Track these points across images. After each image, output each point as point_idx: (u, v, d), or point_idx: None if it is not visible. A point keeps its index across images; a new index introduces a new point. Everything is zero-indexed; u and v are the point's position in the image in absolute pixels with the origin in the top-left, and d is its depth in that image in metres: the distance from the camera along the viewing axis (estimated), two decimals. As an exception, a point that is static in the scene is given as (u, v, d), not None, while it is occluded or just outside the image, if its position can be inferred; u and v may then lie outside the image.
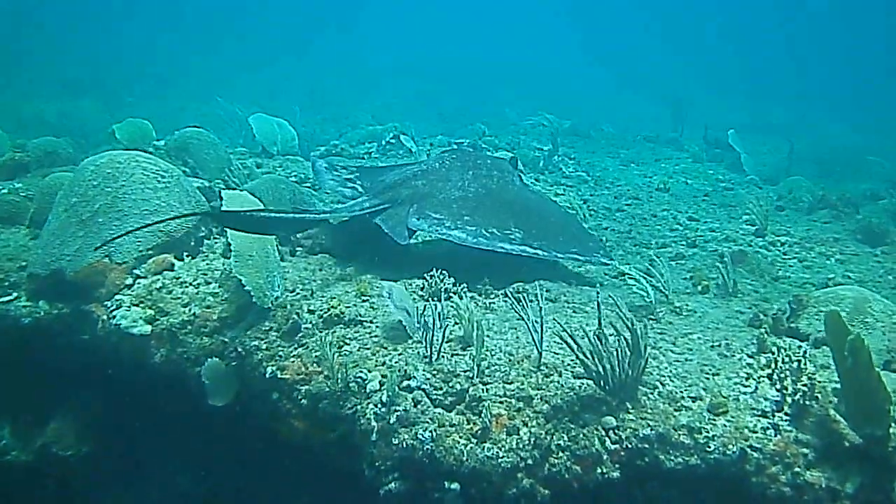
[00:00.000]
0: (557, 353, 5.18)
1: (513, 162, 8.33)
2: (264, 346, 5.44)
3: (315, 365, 5.18)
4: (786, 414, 4.78)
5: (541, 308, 5.04)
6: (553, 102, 24.69)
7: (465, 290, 6.25)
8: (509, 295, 6.24)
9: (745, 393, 4.95)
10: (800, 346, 5.40)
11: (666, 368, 5.07)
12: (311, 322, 5.53)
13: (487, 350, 5.07)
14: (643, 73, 38.73)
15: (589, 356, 4.71)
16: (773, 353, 5.19)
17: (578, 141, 19.01)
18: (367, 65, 36.60)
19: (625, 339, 4.68)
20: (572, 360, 5.06)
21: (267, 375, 5.27)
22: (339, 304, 5.61)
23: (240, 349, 5.51)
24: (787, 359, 5.03)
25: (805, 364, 4.99)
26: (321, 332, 5.41)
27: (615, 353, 4.67)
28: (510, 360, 5.08)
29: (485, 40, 49.28)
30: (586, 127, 20.74)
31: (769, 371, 5.12)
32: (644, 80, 35.28)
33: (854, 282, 8.30)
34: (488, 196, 7.28)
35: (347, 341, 5.34)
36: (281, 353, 5.36)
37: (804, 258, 9.17)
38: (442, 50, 42.27)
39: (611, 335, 5.03)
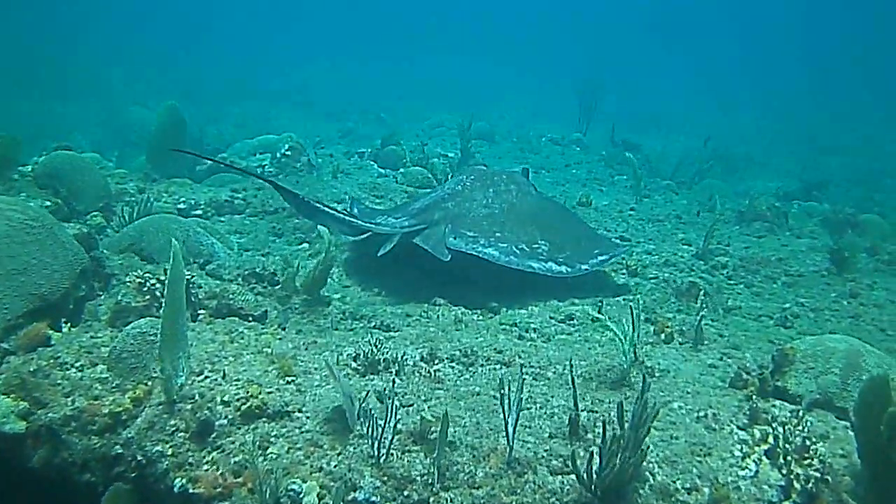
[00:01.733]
0: (528, 442, 4.48)
1: (524, 173, 9.37)
2: (170, 451, 4.52)
3: (235, 475, 4.32)
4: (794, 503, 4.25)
5: (522, 381, 4.34)
6: (459, 104, 24.11)
7: (411, 357, 5.51)
8: (458, 361, 5.54)
9: (745, 478, 4.40)
10: (796, 414, 4.88)
11: (652, 451, 4.44)
12: (226, 417, 4.65)
13: (447, 443, 4.33)
14: (548, 66, 38.64)
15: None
16: (771, 428, 4.66)
17: (484, 145, 18.47)
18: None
19: (620, 432, 4.02)
20: (547, 451, 4.39)
21: (176, 490, 4.37)
22: (260, 391, 4.77)
23: (139, 456, 4.57)
24: (787, 434, 4.51)
25: (811, 439, 4.48)
26: (240, 429, 4.56)
27: (609, 448, 4.01)
28: (474, 457, 4.35)
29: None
30: (490, 129, 20.24)
31: (767, 447, 4.60)
32: (549, 76, 35.10)
33: (809, 309, 7.97)
34: (512, 210, 8.23)
35: (273, 440, 4.50)
36: (191, 459, 4.47)
37: (751, 283, 8.82)
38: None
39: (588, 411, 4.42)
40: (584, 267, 7.65)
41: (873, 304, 8.31)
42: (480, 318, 6.82)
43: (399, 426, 4.39)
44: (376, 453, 4.29)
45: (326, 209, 7.35)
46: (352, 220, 7.64)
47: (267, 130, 17.16)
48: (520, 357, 5.68)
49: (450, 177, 12.83)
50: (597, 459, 4.04)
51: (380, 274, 8.00)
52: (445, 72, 37.28)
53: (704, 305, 6.32)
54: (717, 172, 17.81)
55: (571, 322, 6.84)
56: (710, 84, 40.00)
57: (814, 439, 4.53)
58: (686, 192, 15.28)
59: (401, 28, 54.61)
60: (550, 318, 6.93)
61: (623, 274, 8.63)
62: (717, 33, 59.66)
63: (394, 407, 4.38)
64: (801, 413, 4.87)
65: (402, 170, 13.49)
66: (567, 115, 22.89)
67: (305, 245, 9.24)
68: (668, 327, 6.38)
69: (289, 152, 13.41)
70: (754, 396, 5.11)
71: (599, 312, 6.88)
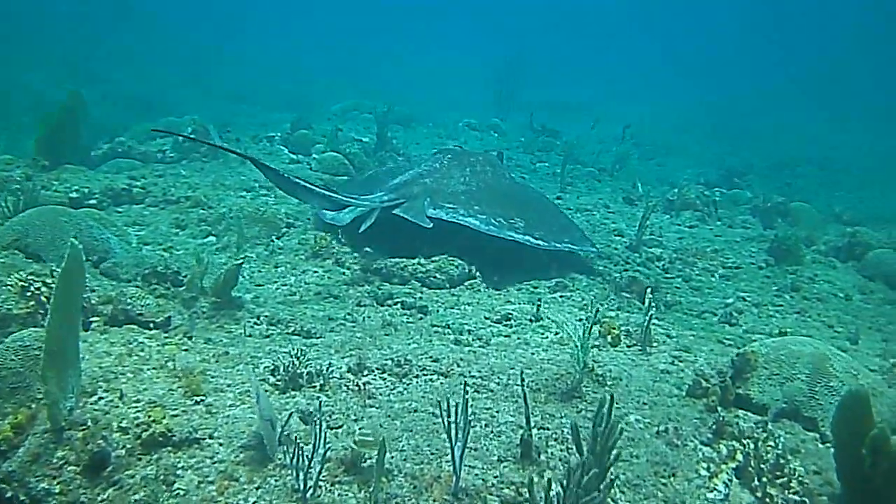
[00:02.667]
0: (475, 467, 4.01)
1: (500, 156, 10.24)
2: (58, 489, 3.88)
3: (136, 516, 3.72)
4: (770, 530, 3.92)
5: (466, 401, 3.86)
6: (377, 89, 23.41)
7: (337, 369, 4.96)
8: (391, 372, 5.03)
9: (715, 501, 4.02)
10: (763, 427, 4.55)
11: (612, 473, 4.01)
12: (124, 447, 4.02)
13: (384, 472, 3.82)
14: (470, 54, 38.12)
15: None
16: (740, 444, 4.32)
17: (400, 130, 17.89)
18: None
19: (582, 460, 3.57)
20: (497, 478, 3.93)
21: (63, 536, 3.75)
22: (163, 415, 4.16)
23: (22, 495, 3.92)
24: (758, 450, 4.17)
25: (784, 457, 4.15)
26: (140, 461, 3.95)
27: (569, 480, 3.55)
28: (416, 487, 3.85)
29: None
30: (409, 113, 19.65)
31: (736, 464, 4.25)
32: (470, 64, 34.57)
33: (752, 305, 7.73)
34: (488, 189, 8.54)
35: (180, 473, 3.91)
36: (83, 498, 3.84)
37: (688, 276, 8.55)
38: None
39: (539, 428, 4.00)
40: (557, 245, 7.94)
41: (816, 297, 8.15)
42: (410, 320, 6.31)
43: (328, 453, 3.84)
44: (302, 486, 3.74)
45: (307, 185, 7.29)
46: (332, 195, 7.53)
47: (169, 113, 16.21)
48: (458, 366, 5.20)
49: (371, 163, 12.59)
50: (556, 488, 3.59)
51: (296, 269, 7.45)
52: (364, 56, 36.35)
53: (653, 305, 5.93)
54: (634, 159, 17.69)
55: (508, 323, 6.39)
56: (638, 74, 40.11)
57: (788, 457, 4.20)
58: (609, 180, 15.03)
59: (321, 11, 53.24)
60: (485, 318, 6.47)
61: (556, 267, 8.22)
62: (649, 24, 60.14)
63: (321, 430, 3.86)
64: (768, 425, 4.54)
65: (315, 156, 12.81)
66: (487, 104, 22.49)
67: (212, 238, 8.56)
68: (614, 329, 5.98)
69: (193, 136, 12.55)
70: (718, 407, 4.75)
71: (538, 311, 6.50)
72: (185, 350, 5.15)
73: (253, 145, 14.23)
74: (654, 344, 5.99)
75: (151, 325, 5.52)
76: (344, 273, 7.33)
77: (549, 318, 6.45)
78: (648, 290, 6.37)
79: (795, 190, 16.97)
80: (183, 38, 33.38)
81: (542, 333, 6.14)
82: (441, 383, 4.96)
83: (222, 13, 43.51)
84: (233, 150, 8.13)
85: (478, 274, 7.45)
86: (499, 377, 5.05)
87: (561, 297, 7.20)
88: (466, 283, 7.30)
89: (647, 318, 5.88)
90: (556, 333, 6.11)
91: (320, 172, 11.40)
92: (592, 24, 57.51)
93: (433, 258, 7.36)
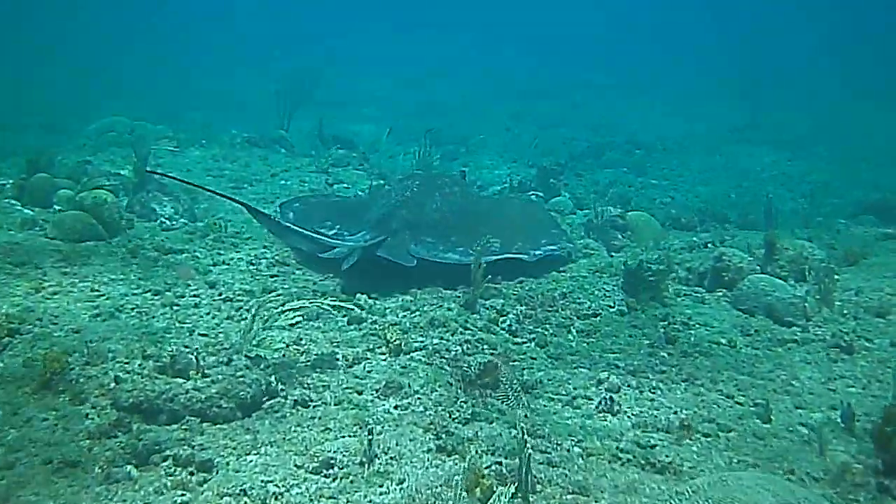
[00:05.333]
0: None
1: (462, 175, 11.29)
2: None
3: None
4: None
5: None
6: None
7: None
8: None
9: None
10: None
11: None
12: None
13: None
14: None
15: None
16: None
17: (167, 155, 15.52)
18: None
19: None
20: None
21: None
22: None
23: None
24: None
25: None
26: None
27: None
28: None
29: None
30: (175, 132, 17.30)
31: None
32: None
33: (627, 374, 6.41)
34: (461, 212, 9.29)
35: None
36: None
37: (542, 339, 7.17)
38: None
39: None
40: (536, 253, 8.82)
41: (698, 350, 6.96)
42: (184, 493, 4.43)
43: None
44: None
45: (297, 229, 8.01)
46: (320, 237, 8.24)
47: None
48: None
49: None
50: None
51: (18, 414, 5.37)
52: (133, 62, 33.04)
53: (526, 436, 4.39)
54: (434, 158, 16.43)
55: (331, 473, 4.66)
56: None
57: None
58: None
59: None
60: (298, 467, 4.71)
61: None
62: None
63: None
64: None
65: (58, 207, 10.17)
66: (266, 113, 20.40)
67: None
68: (481, 477, 4.35)
69: None
70: None
71: (370, 447, 4.80)
72: None
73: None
74: (538, 487, 4.46)
75: None
76: (88, 417, 5.26)
77: (385, 457, 4.79)
78: (516, 391, 4.81)
79: (623, 184, 16.38)
80: None
81: (381, 488, 4.47)
82: None
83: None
84: (226, 196, 8.15)
85: (281, 388, 5.66)
86: None
87: (396, 408, 5.53)
88: (266, 406, 5.48)
89: (526, 454, 4.33)
90: (401, 486, 4.46)
91: (58, 241, 8.88)
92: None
93: (214, 378, 5.46)
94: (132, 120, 17.66)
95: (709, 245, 10.23)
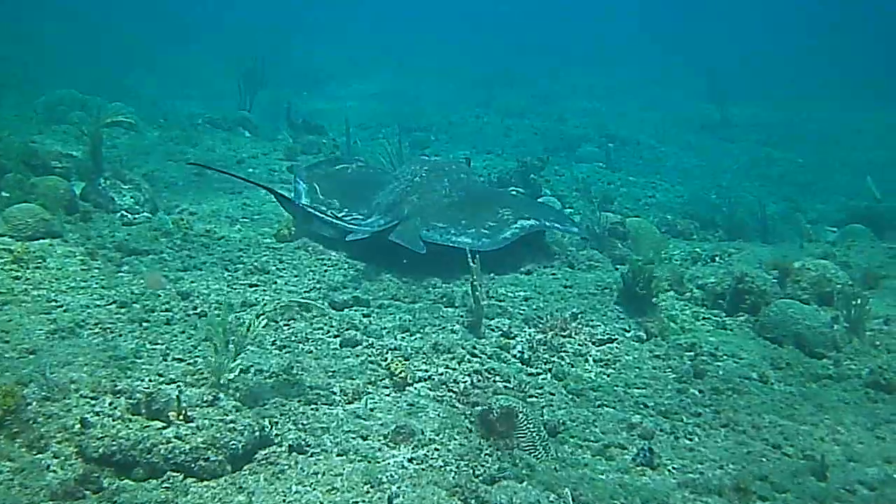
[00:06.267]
0: None
1: (467, 162, 11.37)
2: None
3: None
4: None
5: None
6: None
7: None
8: None
9: None
10: None
11: None
12: None
13: None
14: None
15: None
16: None
17: (123, 133, 14.52)
18: None
19: None
20: None
21: None
22: None
23: None
24: None
25: None
26: None
27: None
28: None
29: None
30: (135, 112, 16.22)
31: None
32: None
33: (660, 416, 5.76)
34: (469, 196, 9.49)
35: None
36: None
37: (560, 370, 6.52)
38: None
39: None
40: (546, 223, 9.14)
41: (729, 387, 6.38)
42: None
43: None
44: None
45: (319, 214, 8.36)
46: (338, 222, 8.52)
47: None
48: None
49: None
50: None
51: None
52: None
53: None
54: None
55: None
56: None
57: None
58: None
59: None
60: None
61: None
62: None
63: None
64: None
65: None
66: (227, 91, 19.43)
67: None
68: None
69: None
70: None
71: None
72: None
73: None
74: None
75: None
76: (49, 470, 4.44)
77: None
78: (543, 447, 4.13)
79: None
80: None
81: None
82: None
83: None
84: (252, 181, 8.44)
85: (274, 434, 4.92)
86: None
87: (412, 461, 4.81)
88: (260, 457, 4.73)
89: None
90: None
91: (7, 238, 7.89)
92: None
93: (200, 424, 4.68)
94: (83, 94, 16.58)
95: (716, 259, 9.65)
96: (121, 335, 6.07)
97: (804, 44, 43.48)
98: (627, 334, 7.20)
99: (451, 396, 5.72)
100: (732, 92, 29.57)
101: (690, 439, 5.59)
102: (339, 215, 9.07)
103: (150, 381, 5.27)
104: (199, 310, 6.70)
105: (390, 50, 37.61)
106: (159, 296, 6.86)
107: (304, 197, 9.59)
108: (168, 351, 5.88)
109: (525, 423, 5.20)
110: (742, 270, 7.98)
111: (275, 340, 6.31)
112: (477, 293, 6.88)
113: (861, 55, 39.14)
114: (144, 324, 6.33)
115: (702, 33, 46.87)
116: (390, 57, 35.90)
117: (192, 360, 5.78)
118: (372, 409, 5.43)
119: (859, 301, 7.36)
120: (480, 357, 6.41)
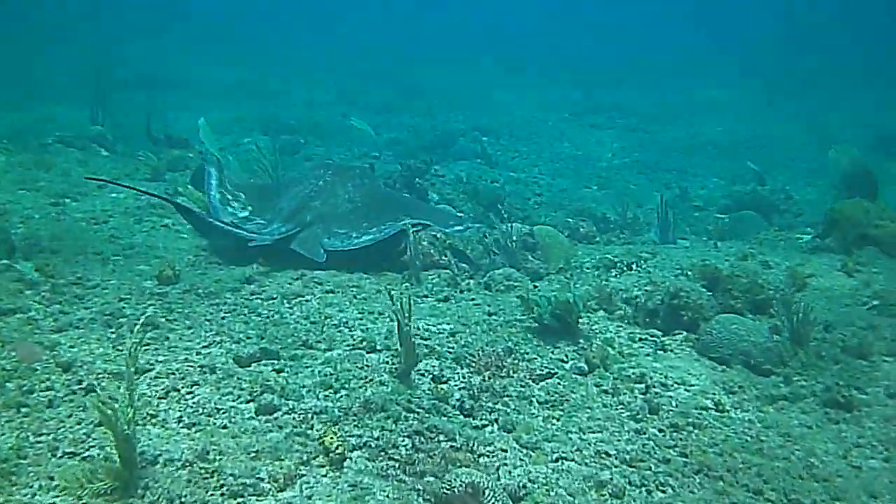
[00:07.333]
0: None
1: (371, 167, 11.76)
2: None
3: None
4: None
5: None
6: None
7: None
8: None
9: None
10: None
11: None
12: None
13: None
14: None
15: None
16: None
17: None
18: None
19: None
20: None
21: None
22: None
23: None
24: None
25: None
26: None
27: None
28: None
29: None
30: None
31: None
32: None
33: (623, 463, 5.22)
34: (372, 201, 9.81)
35: None
36: None
37: (507, 420, 5.92)
38: None
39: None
40: (447, 230, 9.34)
41: (689, 423, 5.89)
42: None
43: None
44: None
45: (217, 223, 8.94)
46: (237, 231, 8.86)
47: None
48: None
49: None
50: None
51: None
52: None
53: None
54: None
55: None
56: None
57: None
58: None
59: None
60: None
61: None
62: None
63: None
64: None
65: None
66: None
67: None
68: None
69: None
70: None
71: None
72: None
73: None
74: None
75: None
76: None
77: None
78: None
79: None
80: None
81: None
82: None
83: None
84: (151, 193, 9.34)
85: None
86: None
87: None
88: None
89: None
90: None
91: None
92: None
93: None
94: None
95: (633, 267, 9.23)
96: (-5, 427, 5.09)
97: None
98: (566, 366, 6.65)
99: (394, 467, 5.02)
100: (599, 79, 29.94)
101: (664, 491, 5.07)
102: (242, 216, 9.55)
103: (40, 490, 4.37)
104: (84, 384, 5.73)
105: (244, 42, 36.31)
106: (36, 370, 5.84)
107: (215, 189, 9.84)
108: (57, 445, 4.92)
109: (492, 498, 4.56)
110: (676, 285, 7.55)
111: (181, 417, 5.42)
112: (405, 333, 6.17)
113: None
114: (23, 410, 5.33)
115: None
116: (245, 52, 34.55)
117: (86, 454, 4.87)
118: (309, 498, 4.67)
119: (802, 311, 7.03)
120: (417, 412, 5.72)
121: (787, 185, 17.27)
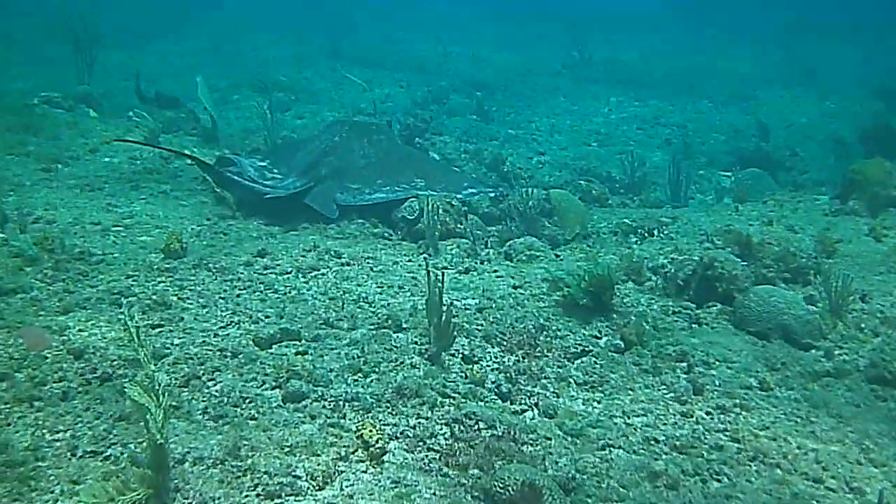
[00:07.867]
0: None
1: (389, 125, 12.50)
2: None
3: None
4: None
5: None
6: None
7: None
8: None
9: None
10: None
11: None
12: None
13: None
14: None
15: None
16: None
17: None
18: None
19: None
20: None
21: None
22: None
23: None
24: None
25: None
26: None
27: None
28: None
29: None
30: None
31: None
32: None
33: (674, 445, 4.97)
34: (387, 158, 9.99)
35: None
36: None
37: (550, 409, 5.56)
38: None
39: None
40: (459, 196, 9.33)
41: (736, 403, 5.61)
42: None
43: None
44: None
45: (236, 178, 9.28)
46: (253, 185, 9.21)
47: None
48: None
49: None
50: None
51: None
52: None
53: None
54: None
55: None
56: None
57: None
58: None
59: None
60: None
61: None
62: None
63: None
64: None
65: None
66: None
67: None
68: None
69: None
70: None
71: None
72: None
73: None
74: None
75: None
76: None
77: None
78: None
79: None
80: None
81: None
82: None
83: None
84: (177, 151, 10.25)
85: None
86: None
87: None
88: None
89: None
90: None
91: None
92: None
93: None
94: None
95: (654, 233, 8.94)
96: (11, 424, 4.76)
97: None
98: (601, 342, 6.38)
99: (435, 459, 4.76)
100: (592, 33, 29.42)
101: (720, 480, 4.83)
102: (261, 164, 9.89)
103: (62, 496, 4.07)
104: (99, 372, 5.40)
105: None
106: (46, 358, 5.49)
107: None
108: (76, 444, 4.62)
109: (549, 498, 4.30)
110: (710, 255, 7.26)
111: (206, 407, 5.12)
112: (441, 312, 5.85)
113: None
114: (35, 403, 5.00)
115: None
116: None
117: (107, 453, 4.56)
118: (351, 497, 4.39)
119: (841, 281, 6.77)
120: (453, 397, 5.45)
121: (787, 140, 17.00)
